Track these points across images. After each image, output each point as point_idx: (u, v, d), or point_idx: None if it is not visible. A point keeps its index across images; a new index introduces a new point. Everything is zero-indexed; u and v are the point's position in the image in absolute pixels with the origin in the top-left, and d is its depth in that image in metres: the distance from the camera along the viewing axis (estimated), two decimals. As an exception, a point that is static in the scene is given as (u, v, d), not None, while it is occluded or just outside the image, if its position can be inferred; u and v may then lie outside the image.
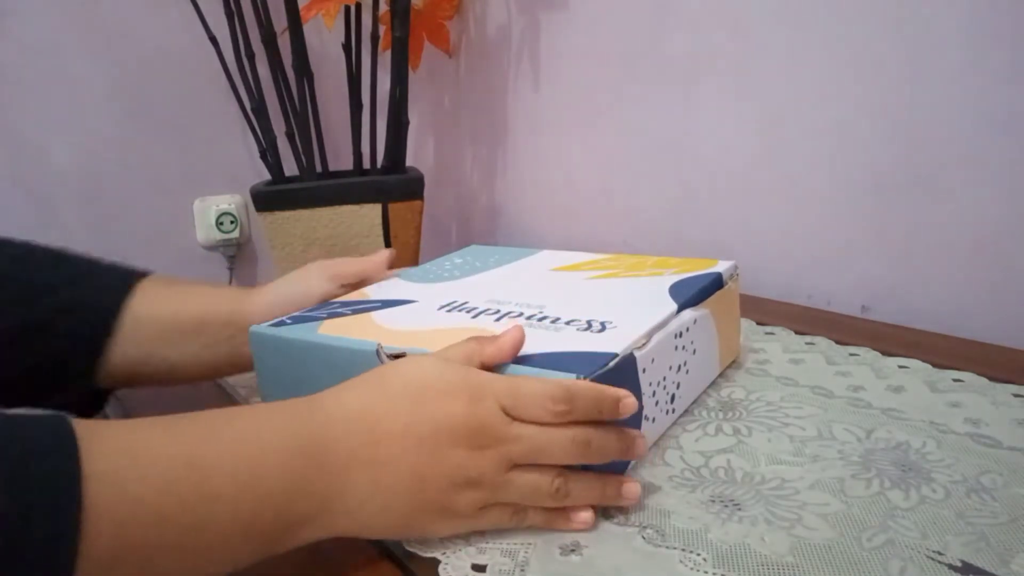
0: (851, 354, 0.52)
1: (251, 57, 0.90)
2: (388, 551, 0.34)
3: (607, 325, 0.41)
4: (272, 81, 0.90)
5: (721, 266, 0.51)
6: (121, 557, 0.25)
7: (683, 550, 0.32)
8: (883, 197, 0.64)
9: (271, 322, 0.46)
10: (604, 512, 0.35)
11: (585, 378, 0.34)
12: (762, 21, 0.71)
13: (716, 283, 0.48)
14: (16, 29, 0.90)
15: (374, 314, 0.46)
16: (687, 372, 0.44)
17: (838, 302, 0.69)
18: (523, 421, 0.33)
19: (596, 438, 0.33)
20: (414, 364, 0.34)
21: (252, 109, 0.91)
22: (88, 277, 0.47)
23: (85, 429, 0.26)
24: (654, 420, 0.41)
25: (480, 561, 0.32)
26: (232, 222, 1.06)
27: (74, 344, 0.45)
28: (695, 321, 0.44)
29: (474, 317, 0.44)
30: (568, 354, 0.37)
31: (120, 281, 0.48)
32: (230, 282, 1.08)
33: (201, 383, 0.52)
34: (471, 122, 1.19)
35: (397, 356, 0.38)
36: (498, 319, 0.43)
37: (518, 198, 1.11)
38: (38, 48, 0.91)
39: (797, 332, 0.57)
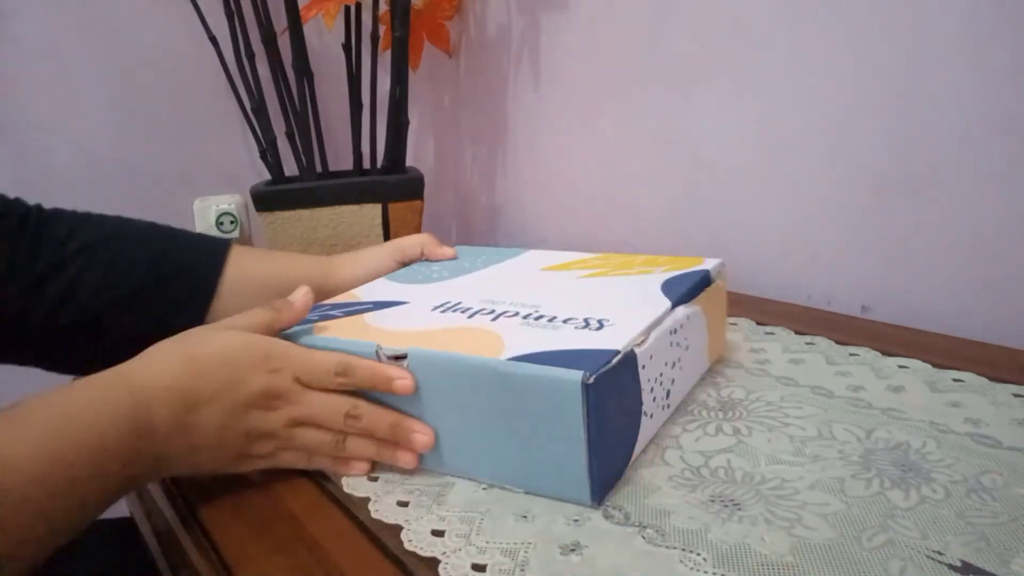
0: (851, 354, 0.52)
1: (251, 57, 0.90)
2: (388, 551, 0.34)
3: (604, 323, 0.41)
4: (272, 81, 0.90)
5: (709, 263, 0.51)
6: (18, 532, 0.30)
7: (683, 550, 0.32)
8: (883, 197, 0.64)
9: None
10: (604, 512, 0.35)
11: (590, 376, 0.34)
12: (762, 21, 0.71)
13: (705, 280, 0.49)
14: (16, 29, 0.90)
15: (366, 316, 0.46)
16: (681, 368, 0.44)
17: (838, 302, 0.69)
18: (314, 388, 0.39)
19: (369, 414, 0.39)
20: (220, 338, 0.39)
21: (252, 109, 0.91)
22: (186, 246, 0.54)
23: None
24: (652, 416, 0.41)
25: (480, 561, 0.32)
26: (232, 222, 1.06)
27: (184, 306, 0.51)
28: (688, 318, 0.45)
29: (469, 317, 0.44)
30: (570, 352, 0.37)
31: (216, 247, 0.54)
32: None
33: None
34: (471, 122, 1.19)
35: (398, 357, 0.39)
36: (494, 319, 0.43)
37: (518, 198, 1.11)
38: (38, 48, 0.91)
39: (797, 332, 0.57)
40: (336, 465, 0.41)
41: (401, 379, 0.38)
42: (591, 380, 0.34)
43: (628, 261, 0.55)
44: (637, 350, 0.38)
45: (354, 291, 0.53)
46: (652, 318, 0.41)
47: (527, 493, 0.38)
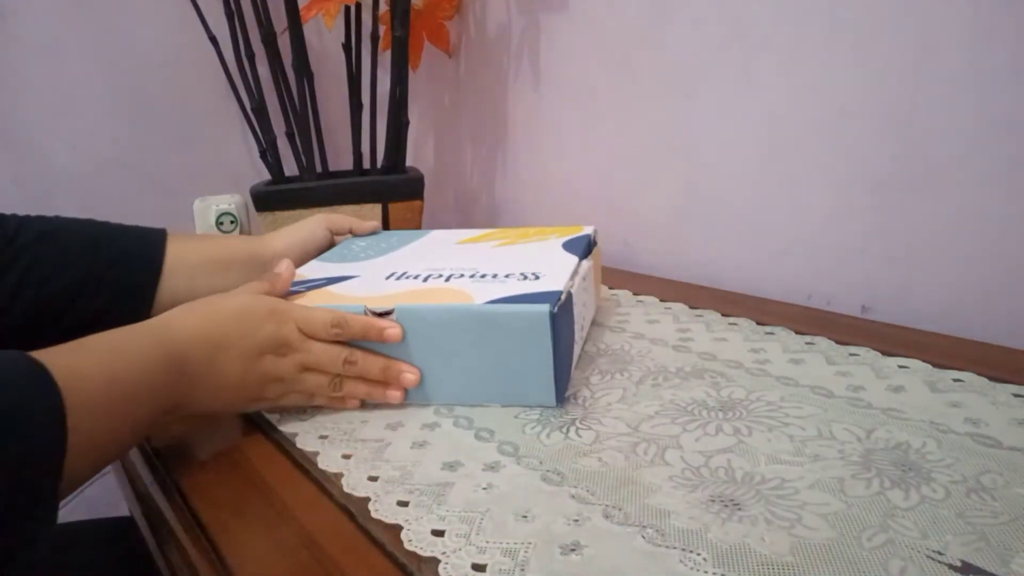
0: (851, 354, 0.52)
1: (251, 57, 0.90)
2: (388, 551, 0.34)
3: (539, 275, 0.51)
4: (272, 81, 0.90)
5: (588, 230, 0.64)
6: (85, 436, 0.34)
7: (683, 550, 0.32)
8: (883, 197, 0.64)
9: None
10: (604, 512, 0.35)
11: (554, 307, 0.45)
12: (762, 21, 0.71)
13: (591, 242, 0.61)
14: (16, 29, 0.90)
15: (330, 288, 0.53)
16: (586, 306, 0.56)
17: (838, 302, 0.69)
18: (313, 339, 0.46)
19: (363, 359, 0.47)
20: (235, 298, 0.46)
21: (252, 109, 0.91)
22: (127, 233, 0.57)
23: (44, 358, 0.35)
24: (576, 342, 0.51)
25: (480, 561, 0.32)
26: (232, 222, 1.05)
27: (131, 288, 0.55)
28: (589, 269, 0.56)
29: (424, 281, 0.52)
30: (527, 295, 0.46)
31: (154, 234, 0.58)
32: (230, 282, 1.08)
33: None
34: (471, 122, 1.19)
35: (385, 313, 0.47)
36: (447, 280, 0.51)
37: (518, 198, 1.11)
38: (38, 48, 0.91)
39: (797, 332, 0.57)
40: (332, 403, 0.49)
41: (391, 328, 0.47)
42: (555, 310, 0.45)
43: (524, 232, 0.65)
44: (572, 290, 0.49)
45: (299, 270, 0.57)
46: (570, 269, 0.52)
47: (503, 406, 0.48)
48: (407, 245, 0.64)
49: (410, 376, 0.47)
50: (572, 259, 0.55)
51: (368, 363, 0.47)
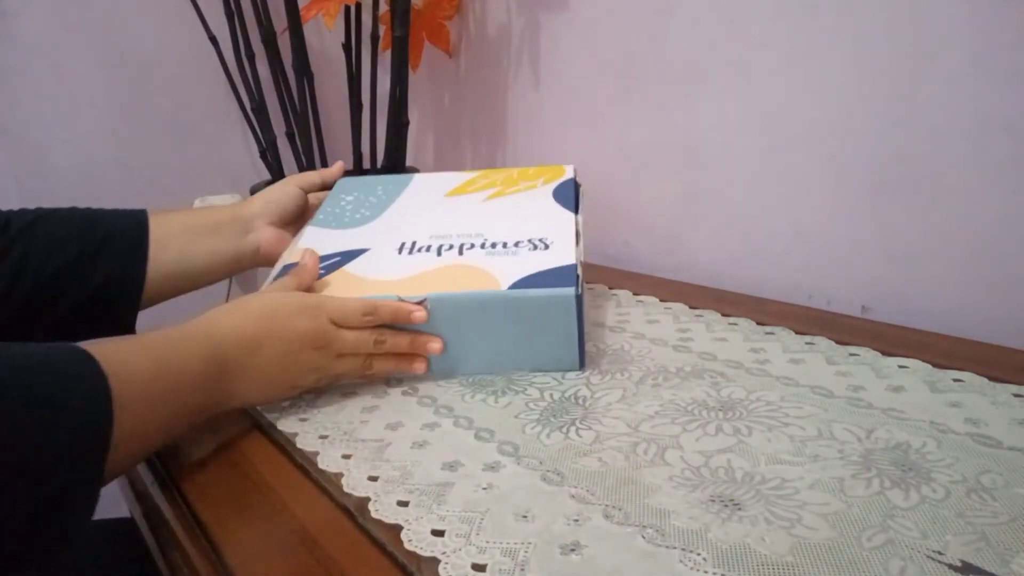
0: (851, 354, 0.52)
1: (251, 57, 0.90)
2: (388, 551, 0.34)
3: (547, 243, 0.55)
4: (272, 81, 0.90)
5: (570, 171, 0.66)
6: (128, 427, 0.36)
7: (683, 550, 0.32)
8: (883, 197, 0.64)
9: None
10: (604, 512, 0.35)
11: (579, 289, 0.50)
12: (762, 21, 0.71)
13: (576, 186, 0.64)
14: (16, 29, 0.90)
15: (347, 268, 0.55)
16: (582, 259, 0.56)
17: (838, 302, 0.69)
18: (345, 327, 0.49)
19: (391, 337, 0.51)
20: (267, 296, 0.48)
21: (252, 109, 0.91)
22: (110, 213, 0.59)
23: (92, 349, 0.36)
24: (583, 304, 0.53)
25: (480, 560, 0.32)
26: (232, 222, 1.06)
27: (124, 265, 0.56)
28: (583, 223, 0.59)
29: (439, 255, 0.55)
30: (547, 272, 0.51)
31: (136, 213, 0.59)
32: (230, 283, 1.08)
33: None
34: (471, 122, 1.19)
35: (419, 303, 0.51)
36: (460, 253, 0.55)
37: (518, 198, 1.11)
38: (38, 48, 0.91)
39: (797, 332, 0.57)
40: (363, 379, 0.53)
41: (417, 311, 0.50)
42: (580, 292, 0.50)
43: (508, 177, 0.67)
44: (579, 259, 0.53)
45: (301, 246, 0.58)
46: (571, 231, 0.56)
47: (531, 371, 0.53)
48: (396, 199, 0.66)
49: (434, 344, 0.51)
50: (568, 216, 0.59)
51: (397, 340, 0.51)
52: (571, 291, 0.49)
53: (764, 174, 0.74)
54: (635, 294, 0.72)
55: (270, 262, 0.62)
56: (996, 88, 0.55)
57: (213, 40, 0.90)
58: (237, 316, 0.46)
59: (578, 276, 0.51)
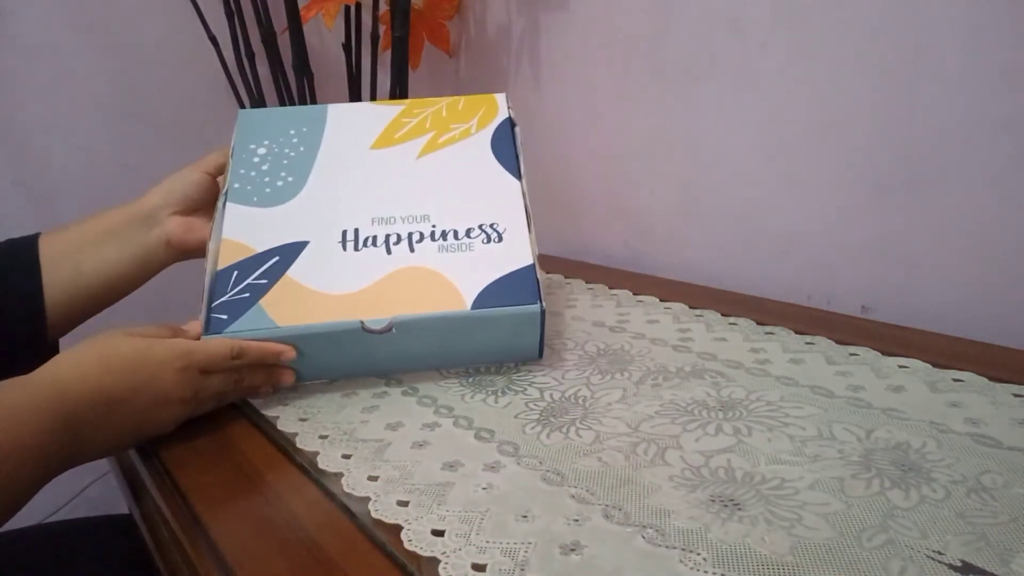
0: (851, 354, 0.52)
1: (251, 57, 0.90)
2: (388, 551, 0.34)
3: (499, 229, 0.54)
4: (272, 81, 0.90)
5: (501, 103, 0.61)
6: None
7: (683, 550, 0.32)
8: (883, 197, 0.64)
9: (211, 330, 0.50)
10: (604, 512, 0.35)
11: (541, 303, 0.50)
12: (762, 21, 0.71)
13: (512, 126, 0.60)
14: (16, 29, 0.90)
15: (291, 274, 0.52)
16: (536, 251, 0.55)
17: (838, 302, 0.69)
18: (211, 372, 0.47)
19: (248, 376, 0.50)
20: (128, 343, 0.44)
21: (252, 109, 0.91)
22: None
23: None
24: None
25: (480, 560, 0.32)
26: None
27: (18, 298, 0.53)
28: (528, 191, 0.56)
29: (389, 252, 0.52)
30: (506, 280, 0.51)
31: (23, 240, 0.55)
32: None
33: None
34: (471, 122, 1.19)
35: (385, 330, 0.49)
36: (411, 249, 0.53)
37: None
38: (38, 48, 0.91)
39: (797, 332, 0.57)
40: (240, 396, 0.51)
41: (287, 351, 0.49)
42: (543, 306, 0.50)
43: (437, 117, 0.61)
44: (536, 256, 0.53)
45: (230, 238, 0.53)
46: (519, 206, 0.55)
47: (491, 363, 0.54)
48: (316, 153, 0.58)
49: (288, 377, 0.51)
50: (513, 185, 0.56)
51: (253, 377, 0.50)
52: (535, 308, 0.50)
53: (764, 174, 0.74)
54: (635, 294, 0.72)
55: (186, 254, 0.58)
56: (996, 88, 0.55)
57: (213, 40, 0.90)
58: (96, 367, 0.42)
59: (538, 282, 0.51)
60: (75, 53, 0.94)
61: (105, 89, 0.96)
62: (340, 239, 0.53)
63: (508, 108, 0.61)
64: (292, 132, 0.60)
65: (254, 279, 0.51)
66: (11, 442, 0.36)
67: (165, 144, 1.01)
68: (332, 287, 0.51)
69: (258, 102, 0.90)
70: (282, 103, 0.91)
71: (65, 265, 0.54)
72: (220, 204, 0.56)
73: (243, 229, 0.54)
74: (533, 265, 0.52)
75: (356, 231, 0.54)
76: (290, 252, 0.53)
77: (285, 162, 0.58)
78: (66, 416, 0.39)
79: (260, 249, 0.53)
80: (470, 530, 0.35)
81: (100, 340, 0.44)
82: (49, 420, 0.38)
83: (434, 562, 0.33)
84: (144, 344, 0.45)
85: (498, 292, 0.50)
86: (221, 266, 0.52)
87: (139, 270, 0.57)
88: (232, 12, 0.89)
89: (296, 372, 0.52)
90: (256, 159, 0.58)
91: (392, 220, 0.54)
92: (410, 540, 0.34)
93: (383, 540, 0.35)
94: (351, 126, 0.60)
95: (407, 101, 0.62)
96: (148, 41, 0.98)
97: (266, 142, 0.59)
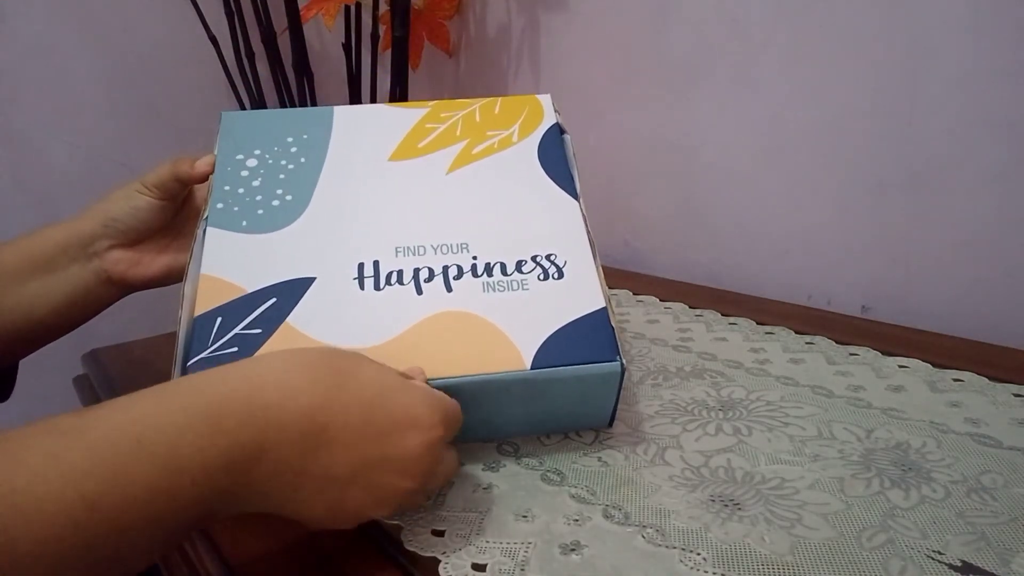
0: (851, 354, 0.52)
1: (251, 57, 0.90)
2: (388, 551, 0.34)
3: (557, 262, 0.42)
4: (272, 81, 0.90)
5: (547, 104, 0.51)
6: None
7: (683, 550, 0.32)
8: (883, 197, 0.64)
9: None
10: (604, 512, 0.35)
11: (623, 360, 0.39)
12: (762, 21, 0.71)
13: (560, 132, 0.50)
14: (16, 29, 0.90)
15: (291, 321, 0.39)
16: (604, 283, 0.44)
17: (838, 302, 0.69)
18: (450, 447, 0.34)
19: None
20: (370, 369, 0.31)
21: (252, 109, 0.91)
22: None
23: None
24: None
25: (480, 560, 0.32)
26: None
27: None
28: (586, 209, 0.46)
29: (419, 292, 0.40)
30: (573, 328, 0.39)
31: None
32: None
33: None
34: (471, 122, 1.19)
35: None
36: (448, 287, 0.40)
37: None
38: (38, 48, 0.91)
39: (797, 332, 0.57)
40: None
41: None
42: (623, 362, 0.39)
43: (469, 122, 0.49)
44: (607, 299, 0.41)
45: (211, 274, 0.40)
46: (580, 228, 0.44)
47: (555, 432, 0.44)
48: (321, 167, 0.46)
49: None
50: (569, 205, 0.45)
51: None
52: (615, 365, 0.38)
53: (764, 174, 0.74)
54: (635, 294, 0.72)
55: (140, 288, 0.48)
56: (996, 88, 0.55)
57: (213, 40, 0.90)
58: (315, 389, 0.29)
59: (613, 330, 0.39)
60: (75, 53, 0.94)
61: (105, 89, 0.96)
62: (356, 275, 0.41)
63: (556, 111, 0.50)
64: (290, 140, 0.48)
65: (244, 327, 0.39)
66: (149, 499, 0.25)
67: (165, 144, 1.01)
68: (347, 338, 0.38)
69: (258, 102, 0.90)
70: (282, 103, 0.91)
71: (6, 292, 0.44)
72: (199, 231, 0.43)
73: (229, 262, 0.41)
74: (605, 309, 0.40)
75: (376, 264, 0.41)
76: (291, 292, 0.40)
77: (282, 177, 0.46)
78: (244, 448, 0.27)
79: (251, 288, 0.40)
80: (470, 530, 0.35)
81: (339, 354, 0.32)
82: (212, 458, 0.26)
83: (434, 562, 0.33)
84: (401, 389, 0.31)
85: (563, 345, 0.39)
86: (200, 311, 0.39)
87: (73, 308, 0.46)
88: (232, 12, 0.89)
89: None
90: (245, 173, 0.46)
91: (422, 250, 0.42)
92: (410, 540, 0.34)
93: (383, 540, 0.35)
94: (363, 133, 0.49)
95: (431, 103, 0.51)
96: (148, 41, 0.98)
97: (257, 152, 0.47)
